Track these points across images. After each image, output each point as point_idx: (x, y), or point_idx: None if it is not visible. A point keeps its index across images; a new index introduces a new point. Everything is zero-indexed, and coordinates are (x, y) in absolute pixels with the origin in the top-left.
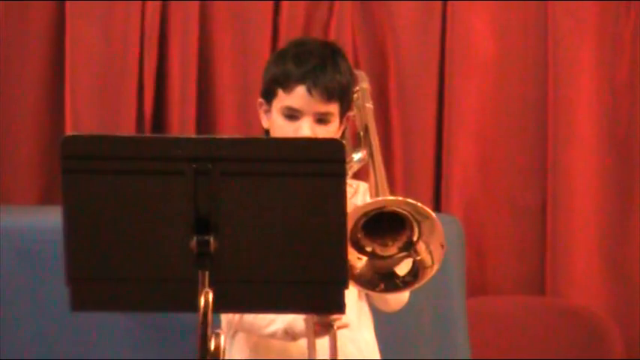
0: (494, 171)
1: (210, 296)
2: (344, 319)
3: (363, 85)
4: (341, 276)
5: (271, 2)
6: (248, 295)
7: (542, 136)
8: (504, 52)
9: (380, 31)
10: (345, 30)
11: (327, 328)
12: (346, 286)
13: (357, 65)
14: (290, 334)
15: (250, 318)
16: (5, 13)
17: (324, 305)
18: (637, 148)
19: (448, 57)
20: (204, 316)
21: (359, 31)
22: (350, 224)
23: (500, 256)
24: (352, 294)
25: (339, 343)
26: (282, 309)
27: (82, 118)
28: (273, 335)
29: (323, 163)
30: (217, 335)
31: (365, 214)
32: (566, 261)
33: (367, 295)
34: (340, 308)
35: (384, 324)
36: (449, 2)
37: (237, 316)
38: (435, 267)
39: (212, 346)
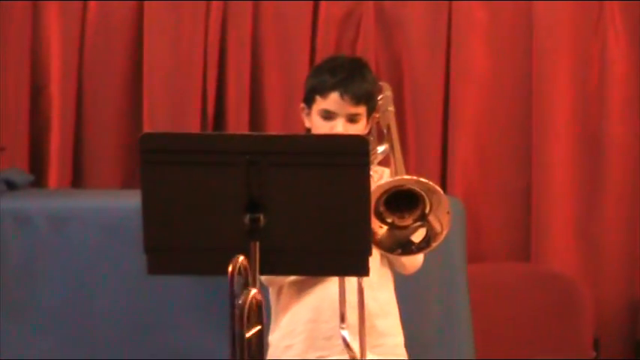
0: (488, 161)
1: (241, 259)
2: (367, 280)
3: (387, 93)
4: (366, 245)
5: (310, 26)
6: (290, 260)
7: (528, 133)
8: (497, 66)
9: (397, 49)
10: (369, 48)
11: None
12: (370, 254)
13: (378, 76)
14: None
15: None
16: (94, 40)
17: (352, 269)
18: (603, 142)
19: (453, 70)
20: (232, 276)
21: (380, 50)
22: (373, 199)
23: (494, 230)
24: (375, 260)
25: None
26: (318, 273)
27: (157, 119)
28: None
29: (351, 154)
30: (247, 292)
31: (386, 191)
32: (547, 234)
33: (389, 262)
34: (365, 272)
35: (402, 285)
36: (453, 27)
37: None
38: (445, 232)
39: (240, 300)
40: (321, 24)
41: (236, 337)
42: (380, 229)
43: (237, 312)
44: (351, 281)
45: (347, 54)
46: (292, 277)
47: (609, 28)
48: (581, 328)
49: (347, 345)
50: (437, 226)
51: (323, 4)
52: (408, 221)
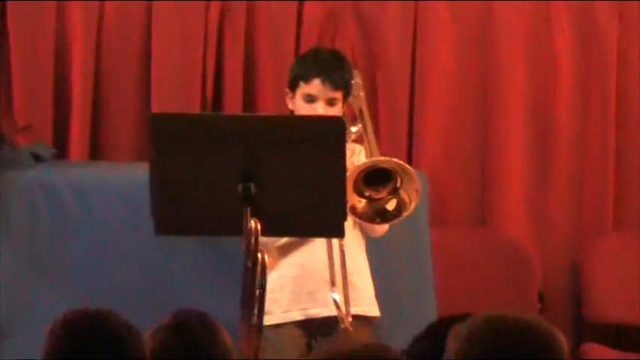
0: (450, 139)
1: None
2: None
3: (357, 80)
4: (342, 211)
5: (294, 22)
6: (278, 224)
7: (484, 115)
8: (458, 58)
9: (371, 41)
10: (347, 41)
11: None
12: (345, 219)
13: (355, 66)
14: None
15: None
16: (110, 31)
17: (330, 232)
18: (550, 124)
19: (418, 61)
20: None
21: (357, 42)
22: (353, 177)
23: (455, 200)
24: (348, 224)
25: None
26: (300, 234)
27: (164, 102)
28: None
29: (329, 132)
30: (262, 251)
31: (363, 169)
32: (500, 202)
33: (360, 226)
34: (341, 234)
35: (375, 247)
36: (418, 24)
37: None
38: (413, 204)
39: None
40: (306, 21)
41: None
42: (359, 204)
43: (247, 270)
44: (334, 245)
45: (327, 47)
46: (280, 242)
47: (556, 25)
48: (528, 284)
49: (337, 306)
50: (406, 199)
51: (307, 4)
52: (382, 194)
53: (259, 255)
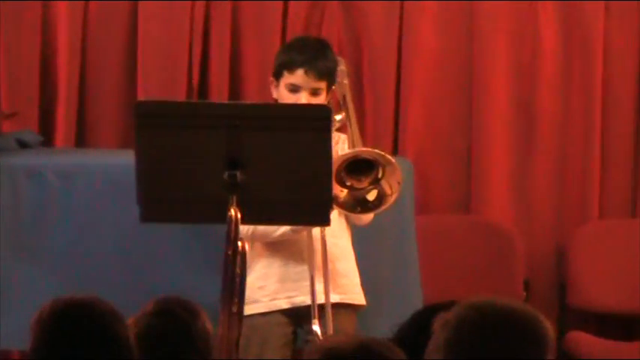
0: (435, 125)
1: (237, 212)
2: (328, 229)
3: (342, 67)
4: (328, 198)
5: (280, 10)
6: (263, 211)
7: (469, 101)
8: (443, 44)
9: (357, 29)
10: (333, 29)
11: None
12: (331, 206)
13: (341, 54)
14: (295, 231)
15: (261, 228)
16: (97, 17)
17: (316, 219)
18: (534, 109)
19: (404, 48)
20: (231, 223)
21: (343, 30)
22: (335, 167)
23: (439, 186)
24: (334, 212)
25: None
26: (286, 222)
27: (150, 90)
28: (282, 236)
29: (315, 120)
30: (242, 240)
31: (346, 159)
32: (484, 188)
33: (345, 215)
34: (327, 222)
35: (360, 234)
36: (405, 11)
37: (250, 231)
38: (394, 196)
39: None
40: (292, 8)
41: (228, 279)
42: (341, 193)
43: (229, 258)
44: (316, 232)
45: (313, 34)
46: (279, 231)
47: (541, 13)
48: (513, 271)
49: (317, 335)
50: (387, 190)
51: None
52: (364, 184)
53: (239, 243)
